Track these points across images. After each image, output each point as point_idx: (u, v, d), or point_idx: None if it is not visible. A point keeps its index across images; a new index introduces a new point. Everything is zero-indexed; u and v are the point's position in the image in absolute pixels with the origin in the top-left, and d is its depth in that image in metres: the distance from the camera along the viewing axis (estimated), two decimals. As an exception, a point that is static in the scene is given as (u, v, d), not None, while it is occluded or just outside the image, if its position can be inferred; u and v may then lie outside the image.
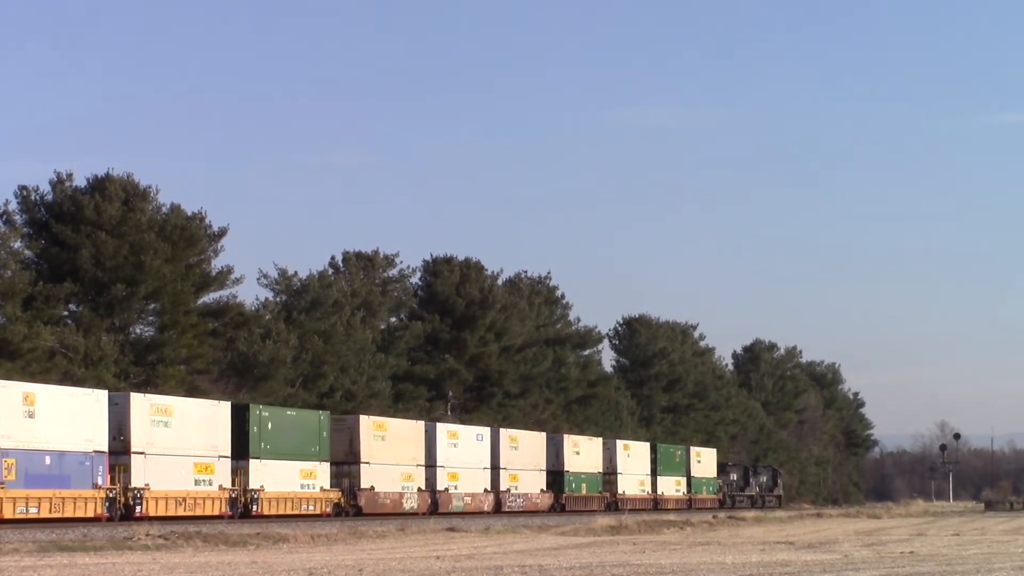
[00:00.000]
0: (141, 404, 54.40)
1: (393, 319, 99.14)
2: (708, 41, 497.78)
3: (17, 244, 70.09)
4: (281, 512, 60.75)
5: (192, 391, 69.06)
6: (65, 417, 50.65)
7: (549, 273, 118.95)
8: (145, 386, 68.98)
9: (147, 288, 71.88)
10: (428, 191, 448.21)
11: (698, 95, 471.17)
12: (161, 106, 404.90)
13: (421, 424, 73.93)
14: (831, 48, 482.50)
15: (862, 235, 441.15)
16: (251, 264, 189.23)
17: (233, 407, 59.68)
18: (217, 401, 60.41)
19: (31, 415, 49.19)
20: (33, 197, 72.92)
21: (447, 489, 73.53)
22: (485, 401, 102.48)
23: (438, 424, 75.91)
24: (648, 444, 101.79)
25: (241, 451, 59.11)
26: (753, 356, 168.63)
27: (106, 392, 54.15)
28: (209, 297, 78.21)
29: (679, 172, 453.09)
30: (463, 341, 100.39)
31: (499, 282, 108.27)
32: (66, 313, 72.04)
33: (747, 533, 55.97)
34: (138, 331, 74.96)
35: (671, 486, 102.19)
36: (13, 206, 71.43)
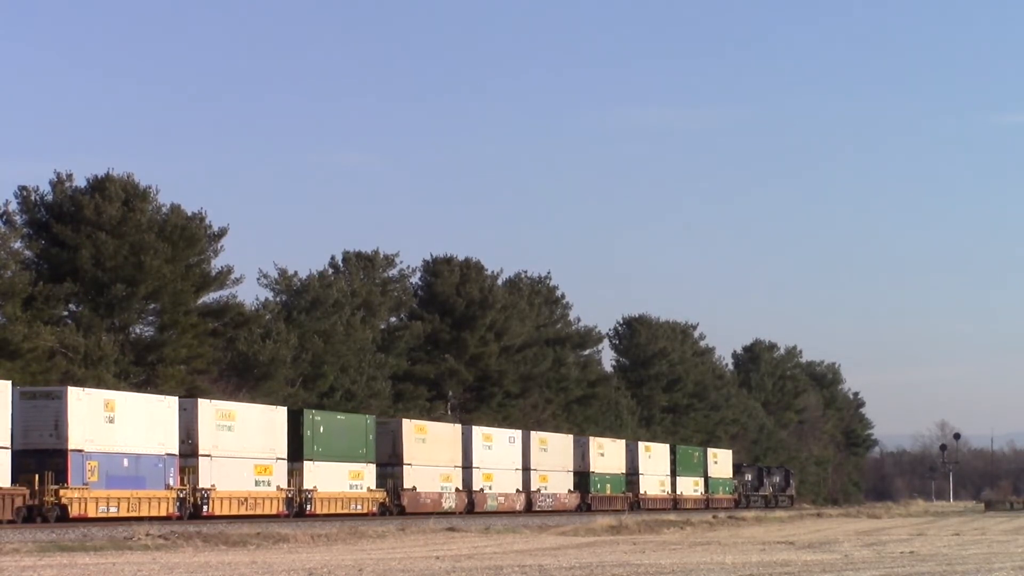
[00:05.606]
0: (207, 410, 57.30)
1: (393, 319, 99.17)
2: (708, 41, 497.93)
3: (17, 244, 70.14)
4: (332, 511, 63.13)
5: (192, 391, 69.09)
6: (141, 422, 53.27)
7: (549, 273, 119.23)
8: (145, 386, 69.02)
9: (147, 288, 71.90)
10: (428, 191, 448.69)
11: (698, 95, 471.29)
12: (161, 106, 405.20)
13: (458, 427, 76.59)
14: (831, 48, 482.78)
15: (862, 235, 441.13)
16: (251, 264, 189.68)
17: (289, 412, 62.52)
18: (275, 406, 62.96)
19: (111, 420, 51.84)
20: (33, 197, 72.95)
21: (482, 489, 76.10)
22: (485, 401, 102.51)
23: (474, 427, 78.30)
24: (668, 446, 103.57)
25: (296, 453, 61.87)
26: (753, 356, 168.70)
27: (176, 399, 56.96)
28: (209, 297, 78.36)
29: (679, 172, 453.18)
30: (463, 341, 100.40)
31: (499, 282, 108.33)
32: (66, 313, 72.06)
33: (747, 533, 55.95)
34: (138, 331, 75.01)
35: (689, 486, 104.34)
36: (13, 206, 71.65)
